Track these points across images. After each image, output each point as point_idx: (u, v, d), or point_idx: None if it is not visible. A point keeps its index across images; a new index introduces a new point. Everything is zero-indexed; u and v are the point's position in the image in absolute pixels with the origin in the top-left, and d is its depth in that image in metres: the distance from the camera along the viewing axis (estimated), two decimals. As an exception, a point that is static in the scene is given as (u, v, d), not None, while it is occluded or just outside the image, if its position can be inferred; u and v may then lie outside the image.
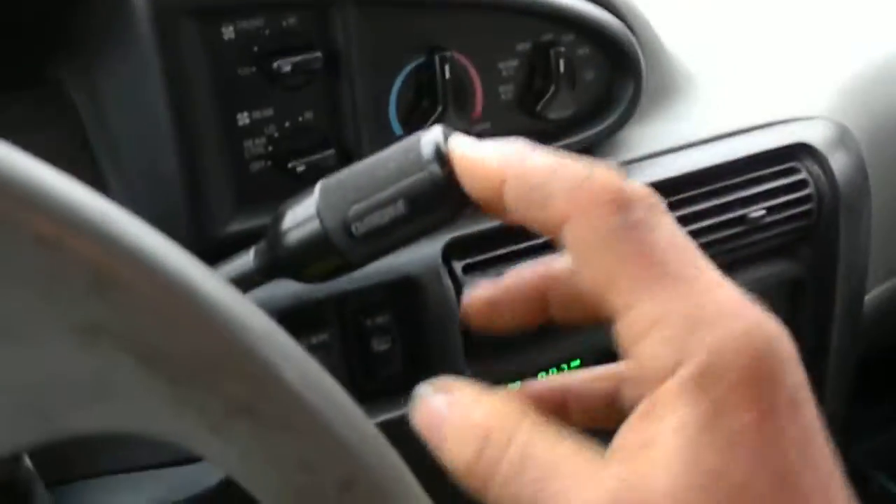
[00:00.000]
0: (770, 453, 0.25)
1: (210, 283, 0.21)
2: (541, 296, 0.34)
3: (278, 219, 0.39)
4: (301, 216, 0.38)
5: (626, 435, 0.27)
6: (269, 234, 0.40)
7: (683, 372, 0.25)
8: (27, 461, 0.41)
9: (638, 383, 0.27)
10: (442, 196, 0.36)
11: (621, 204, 0.27)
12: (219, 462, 0.22)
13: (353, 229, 0.37)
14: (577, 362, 0.67)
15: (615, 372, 0.34)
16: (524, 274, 0.35)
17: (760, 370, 0.25)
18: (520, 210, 0.29)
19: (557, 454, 0.27)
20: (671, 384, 0.26)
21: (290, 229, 0.38)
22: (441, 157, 0.36)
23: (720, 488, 0.24)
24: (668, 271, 0.26)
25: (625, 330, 0.27)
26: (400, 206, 0.36)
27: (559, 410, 0.33)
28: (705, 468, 0.25)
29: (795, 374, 0.26)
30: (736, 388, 0.25)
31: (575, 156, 0.29)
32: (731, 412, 0.25)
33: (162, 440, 0.22)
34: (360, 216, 0.37)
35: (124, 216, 0.21)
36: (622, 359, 0.28)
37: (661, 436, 0.25)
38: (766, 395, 0.25)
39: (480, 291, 0.35)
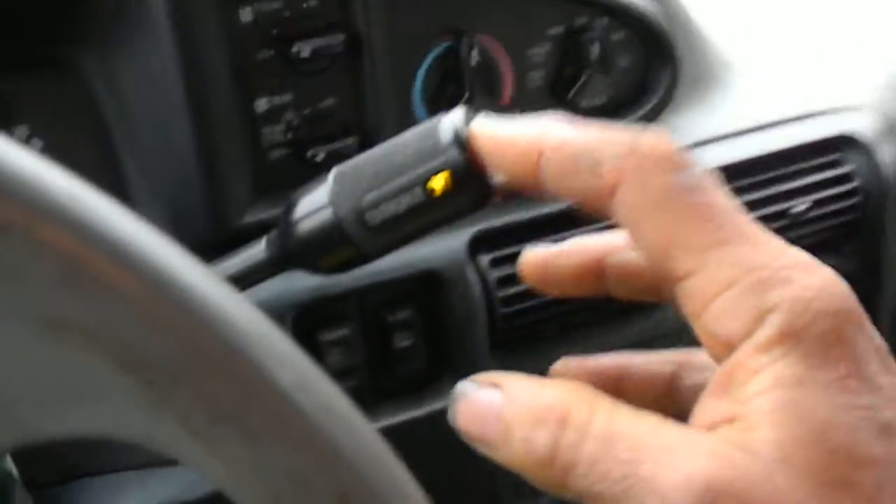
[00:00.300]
0: (870, 403, 0.24)
1: (196, 275, 0.19)
2: (598, 265, 0.32)
3: (290, 207, 0.37)
4: (314, 204, 0.36)
5: (707, 406, 0.26)
6: (281, 223, 0.38)
7: (766, 330, 0.24)
8: (8, 461, 0.39)
9: (710, 351, 0.26)
10: (462, 183, 0.34)
11: (675, 164, 0.25)
12: (201, 471, 0.20)
13: (368, 218, 0.35)
14: (609, 361, 0.65)
15: (676, 357, 0.32)
16: (584, 240, 0.33)
17: (845, 322, 0.24)
18: (561, 182, 0.27)
19: (645, 429, 0.25)
20: (752, 344, 0.24)
21: (301, 218, 0.36)
22: (461, 141, 0.33)
23: (827, 439, 0.23)
24: (731, 232, 0.25)
25: (691, 295, 0.25)
26: (417, 194, 0.34)
27: (614, 391, 0.32)
28: (809, 420, 0.23)
29: (871, 327, 0.25)
30: (825, 340, 0.24)
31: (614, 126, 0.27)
32: (824, 364, 0.24)
33: (140, 446, 0.20)
34: (375, 204, 0.35)
35: (100, 200, 0.19)
36: (689, 326, 0.26)
37: (754, 396, 0.24)
38: (855, 346, 0.24)
39: (538, 250, 0.33)
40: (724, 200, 0.25)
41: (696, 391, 0.27)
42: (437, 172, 0.34)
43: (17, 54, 0.55)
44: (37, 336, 0.18)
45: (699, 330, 0.26)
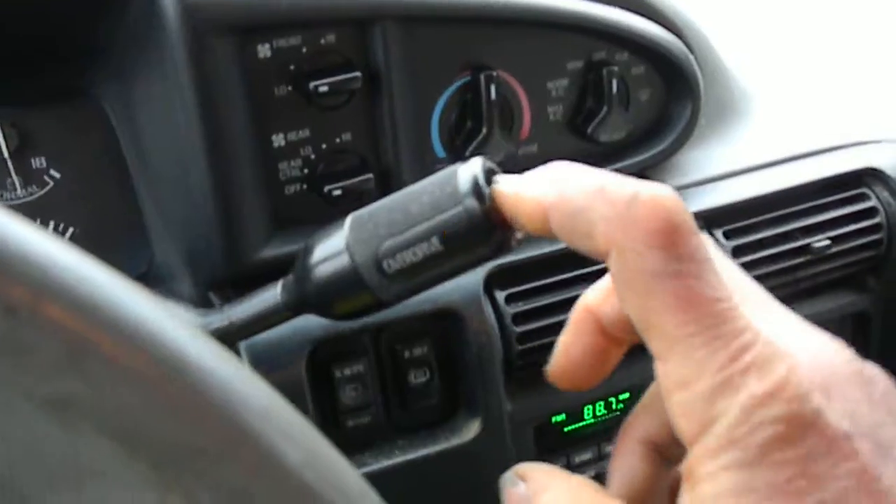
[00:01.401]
0: (819, 500, 0.24)
1: (201, 352, 0.19)
2: (596, 325, 0.32)
3: (307, 252, 0.37)
4: (330, 250, 0.36)
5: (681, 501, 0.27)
6: (297, 268, 0.38)
7: (713, 437, 0.25)
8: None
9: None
10: (479, 232, 0.33)
11: (666, 239, 0.25)
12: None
13: (385, 266, 0.35)
14: (626, 395, 0.64)
15: None
16: (573, 316, 0.33)
17: (790, 425, 0.24)
18: (566, 238, 0.28)
19: None
20: (704, 448, 0.25)
21: (318, 263, 0.36)
22: (479, 190, 0.33)
23: None
24: (702, 325, 0.25)
25: (661, 379, 0.26)
26: (434, 243, 0.34)
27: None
28: None
29: (835, 413, 0.25)
30: (766, 446, 0.24)
31: (620, 176, 0.27)
32: (768, 469, 0.24)
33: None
34: (392, 252, 0.34)
35: (108, 278, 0.18)
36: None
37: (709, 500, 0.25)
38: (802, 446, 0.24)
39: (558, 359, 0.33)
40: (706, 287, 0.25)
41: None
42: (454, 222, 0.33)
43: (36, 86, 0.55)
44: (44, 416, 0.18)
45: (669, 415, 0.27)
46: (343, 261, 0.35)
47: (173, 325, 0.19)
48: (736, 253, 0.63)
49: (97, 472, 0.19)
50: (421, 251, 0.34)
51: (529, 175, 0.30)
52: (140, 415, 0.18)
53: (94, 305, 0.18)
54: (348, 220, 0.36)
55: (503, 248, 0.34)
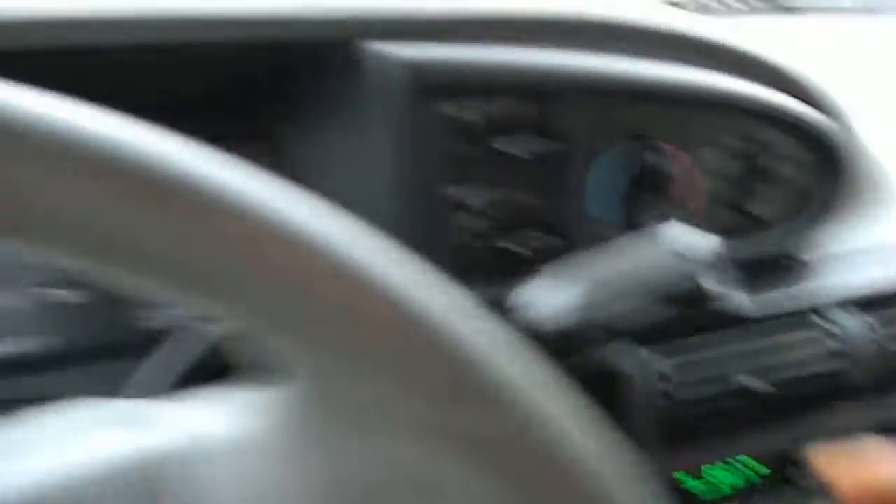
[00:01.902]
0: None
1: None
2: None
3: (526, 306, 0.40)
4: (557, 308, 0.39)
5: None
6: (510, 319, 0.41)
7: None
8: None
9: None
10: (685, 296, 0.36)
11: None
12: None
13: (606, 326, 0.38)
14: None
15: None
16: None
17: None
18: None
19: None
20: None
21: (545, 321, 0.40)
22: (685, 255, 0.36)
23: None
24: None
25: None
26: (642, 301, 0.37)
27: None
28: None
29: None
30: None
31: None
32: None
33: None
34: (614, 314, 0.38)
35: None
36: None
37: None
38: None
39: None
40: None
41: None
42: (666, 283, 0.37)
43: (224, 128, 0.60)
44: (418, 440, 0.21)
45: None
46: (570, 320, 0.39)
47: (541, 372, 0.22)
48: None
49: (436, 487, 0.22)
50: (628, 307, 0.37)
51: (858, 451, 0.30)
52: (503, 447, 0.21)
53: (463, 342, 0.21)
54: (576, 281, 0.40)
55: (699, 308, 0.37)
